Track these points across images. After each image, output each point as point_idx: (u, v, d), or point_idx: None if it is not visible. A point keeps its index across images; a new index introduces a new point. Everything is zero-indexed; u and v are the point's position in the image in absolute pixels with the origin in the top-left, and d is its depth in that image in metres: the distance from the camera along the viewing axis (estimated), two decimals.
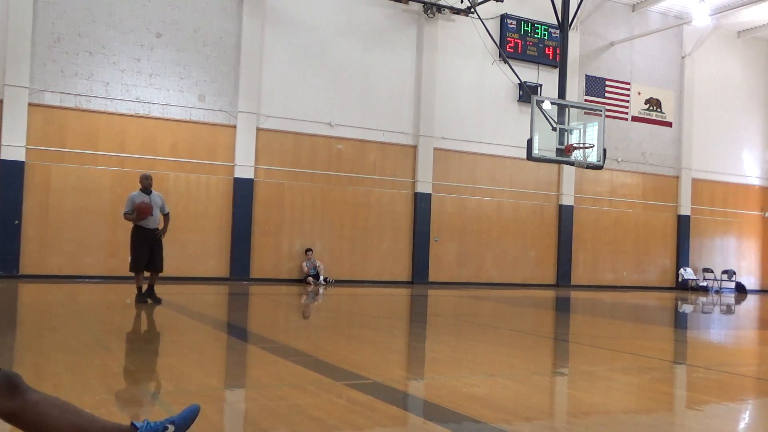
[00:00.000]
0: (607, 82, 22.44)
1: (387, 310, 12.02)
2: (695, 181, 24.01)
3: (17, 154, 15.08)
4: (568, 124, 14.48)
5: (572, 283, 21.65)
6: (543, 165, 19.78)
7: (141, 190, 10.03)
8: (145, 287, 10.06)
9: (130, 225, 10.09)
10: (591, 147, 14.29)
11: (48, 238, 15.47)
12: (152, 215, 9.93)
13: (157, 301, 10.03)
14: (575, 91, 20.92)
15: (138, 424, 2.72)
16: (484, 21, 17.78)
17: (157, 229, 10.10)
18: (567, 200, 21.57)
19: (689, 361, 6.96)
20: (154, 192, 10.22)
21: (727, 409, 4.47)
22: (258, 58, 17.44)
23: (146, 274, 10.05)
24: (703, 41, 23.80)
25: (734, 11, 21.81)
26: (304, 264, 17.81)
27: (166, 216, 10.29)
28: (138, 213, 9.74)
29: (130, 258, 10.13)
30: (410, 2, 19.22)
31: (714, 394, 5.02)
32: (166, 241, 10.41)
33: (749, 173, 25.30)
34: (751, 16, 23.26)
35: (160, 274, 10.25)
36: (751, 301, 19.53)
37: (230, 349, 6.65)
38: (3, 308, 9.74)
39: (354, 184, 18.69)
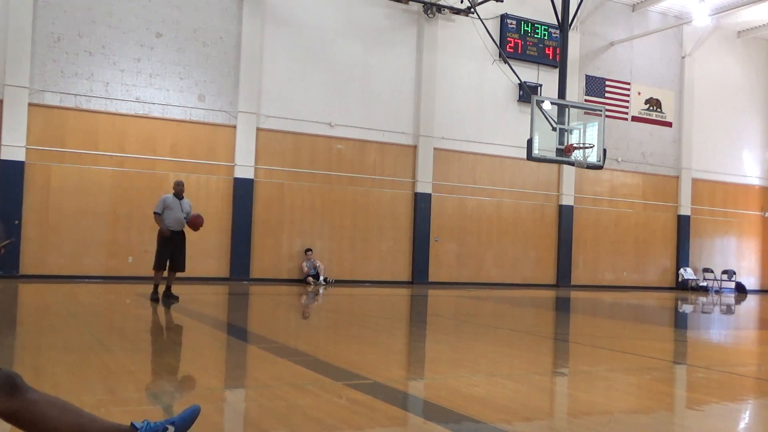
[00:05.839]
0: (607, 82, 22.44)
1: (387, 310, 12.02)
2: (695, 181, 24.00)
3: (17, 154, 15.07)
4: (568, 124, 14.47)
5: (572, 283, 21.63)
6: (543, 165, 19.77)
7: (174, 195, 10.47)
8: (162, 287, 10.44)
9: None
10: (591, 147, 14.27)
11: (48, 238, 15.46)
12: (191, 223, 10.45)
13: (175, 298, 10.40)
14: (575, 91, 20.91)
15: (138, 424, 2.72)
16: (484, 21, 17.77)
17: (182, 231, 10.52)
18: (567, 200, 21.56)
19: (689, 361, 6.96)
20: (185, 199, 10.63)
21: (727, 409, 4.47)
22: (258, 58, 17.43)
23: (165, 273, 10.53)
24: (703, 41, 23.80)
25: (734, 11, 21.80)
26: (304, 264, 17.80)
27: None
28: (191, 226, 10.36)
29: (154, 257, 10.65)
30: (410, 2, 19.22)
31: (714, 394, 5.02)
32: None
33: (749, 173, 25.29)
34: (751, 16, 23.26)
35: (180, 274, 10.70)
36: (751, 302, 19.52)
37: (230, 349, 6.64)
38: (3, 308, 9.73)
39: (354, 184, 18.68)
